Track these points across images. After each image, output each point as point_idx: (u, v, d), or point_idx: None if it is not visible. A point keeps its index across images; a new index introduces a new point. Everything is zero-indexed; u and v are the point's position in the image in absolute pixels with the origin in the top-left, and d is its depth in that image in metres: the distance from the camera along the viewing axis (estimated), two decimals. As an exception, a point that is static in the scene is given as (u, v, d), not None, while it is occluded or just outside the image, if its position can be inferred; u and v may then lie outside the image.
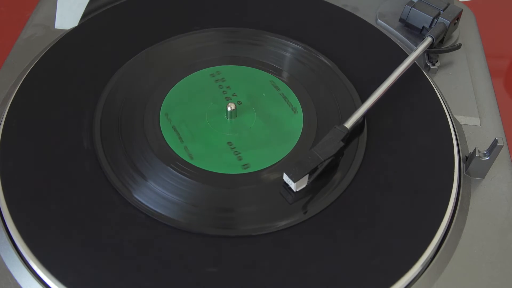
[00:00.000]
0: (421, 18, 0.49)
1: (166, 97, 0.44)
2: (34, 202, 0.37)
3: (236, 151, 0.41)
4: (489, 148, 0.40)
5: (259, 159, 0.40)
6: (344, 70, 0.47)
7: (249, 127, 0.43)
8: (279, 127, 0.43)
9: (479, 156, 0.40)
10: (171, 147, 0.41)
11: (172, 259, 0.35)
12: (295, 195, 0.38)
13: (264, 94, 0.45)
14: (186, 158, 0.40)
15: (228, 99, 0.45)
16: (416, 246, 0.36)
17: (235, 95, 0.45)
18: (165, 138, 0.41)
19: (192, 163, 0.40)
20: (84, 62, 0.47)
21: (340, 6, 0.54)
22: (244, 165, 0.40)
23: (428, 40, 0.47)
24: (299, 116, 0.43)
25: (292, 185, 0.38)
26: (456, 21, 0.49)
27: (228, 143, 0.42)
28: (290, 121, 0.43)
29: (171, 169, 0.39)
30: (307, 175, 0.38)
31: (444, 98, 0.46)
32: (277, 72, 0.47)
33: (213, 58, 0.48)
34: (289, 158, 0.40)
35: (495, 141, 0.39)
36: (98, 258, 0.35)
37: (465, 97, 0.47)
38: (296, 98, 0.44)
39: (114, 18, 0.51)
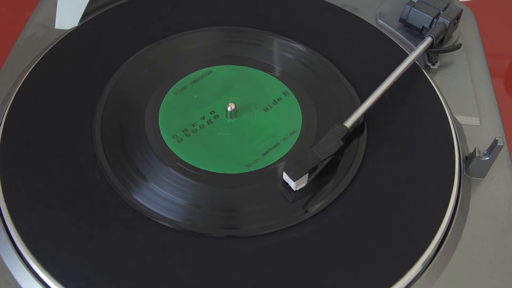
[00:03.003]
0: (421, 18, 0.49)
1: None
2: (34, 202, 0.37)
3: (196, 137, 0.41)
4: (489, 148, 0.40)
5: (206, 159, 0.40)
6: (344, 70, 0.47)
7: (234, 132, 0.43)
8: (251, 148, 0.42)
9: (479, 156, 0.40)
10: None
11: (173, 259, 0.35)
12: (295, 194, 0.38)
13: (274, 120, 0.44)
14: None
15: (246, 103, 0.45)
16: (416, 246, 0.36)
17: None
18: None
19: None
20: (84, 62, 0.47)
21: (340, 6, 0.54)
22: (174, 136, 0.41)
23: (428, 40, 0.47)
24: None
25: (292, 184, 0.38)
26: (456, 21, 0.49)
27: (200, 125, 0.42)
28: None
29: (172, 169, 0.39)
30: (307, 174, 0.38)
31: (444, 98, 0.46)
32: (277, 72, 0.47)
33: (213, 58, 0.48)
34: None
35: (495, 141, 0.39)
36: (99, 258, 0.35)
37: (465, 97, 0.47)
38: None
39: (114, 18, 0.51)
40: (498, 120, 0.46)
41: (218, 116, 0.44)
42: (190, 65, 0.47)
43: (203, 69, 0.47)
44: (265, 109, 0.44)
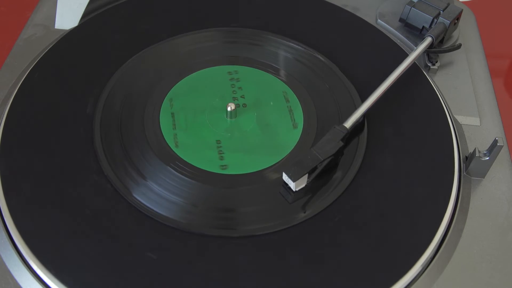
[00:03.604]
0: (421, 18, 0.49)
1: (176, 85, 0.45)
2: (34, 202, 0.37)
3: (221, 150, 0.41)
4: (489, 148, 0.40)
5: (240, 163, 0.40)
6: (344, 70, 0.47)
7: (244, 130, 0.43)
8: (273, 138, 0.42)
9: (479, 156, 0.40)
10: (162, 132, 0.41)
11: (172, 259, 0.35)
12: (294, 195, 0.38)
13: (271, 103, 0.44)
14: (171, 144, 0.41)
15: (235, 99, 0.45)
16: (416, 246, 0.36)
17: (243, 97, 0.45)
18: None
19: (175, 152, 0.40)
20: (84, 62, 0.47)
21: (340, 6, 0.54)
22: (222, 165, 0.40)
23: (428, 40, 0.47)
24: (298, 132, 0.42)
25: (292, 185, 0.38)
26: (456, 21, 0.49)
27: (217, 141, 0.42)
28: (286, 135, 0.42)
29: (171, 169, 0.39)
30: (307, 175, 0.38)
31: (444, 98, 0.46)
32: (276, 72, 0.47)
33: (212, 58, 0.48)
34: (268, 170, 0.40)
35: (495, 141, 0.39)
36: (98, 258, 0.35)
37: (465, 97, 0.47)
38: (301, 113, 0.43)
39: (114, 18, 0.51)
40: (498, 120, 0.46)
41: (219, 113, 0.44)
42: (190, 65, 0.47)
43: (221, 66, 0.47)
44: (266, 117, 0.43)
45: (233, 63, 0.48)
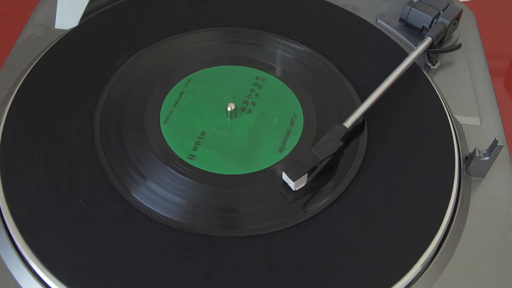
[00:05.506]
0: (421, 18, 0.49)
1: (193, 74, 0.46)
2: (34, 202, 0.37)
3: (199, 141, 0.41)
4: (489, 148, 0.40)
5: (207, 160, 0.40)
6: (344, 70, 0.47)
7: (233, 133, 0.42)
8: (252, 152, 0.41)
9: (479, 156, 0.40)
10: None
11: (172, 260, 0.35)
12: (294, 194, 0.38)
13: (275, 120, 0.43)
14: (162, 118, 0.42)
15: (245, 103, 0.44)
16: (416, 246, 0.36)
17: (254, 104, 0.44)
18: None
19: (161, 127, 0.42)
20: (84, 62, 0.47)
21: (340, 6, 0.54)
22: (190, 155, 0.40)
23: (428, 40, 0.47)
24: (281, 156, 0.41)
25: (291, 184, 0.38)
26: (456, 21, 0.49)
27: (201, 132, 0.42)
28: (267, 154, 0.41)
29: (171, 169, 0.39)
30: (306, 174, 0.38)
31: (444, 98, 0.46)
32: (277, 72, 0.47)
33: (212, 58, 0.48)
34: (227, 178, 0.39)
35: (495, 141, 0.39)
36: (99, 258, 0.35)
37: (465, 97, 0.47)
38: (298, 136, 0.42)
39: (114, 17, 0.51)
40: (498, 120, 0.46)
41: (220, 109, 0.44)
42: (191, 65, 0.47)
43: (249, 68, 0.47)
44: (261, 129, 0.43)
45: (234, 62, 0.48)
